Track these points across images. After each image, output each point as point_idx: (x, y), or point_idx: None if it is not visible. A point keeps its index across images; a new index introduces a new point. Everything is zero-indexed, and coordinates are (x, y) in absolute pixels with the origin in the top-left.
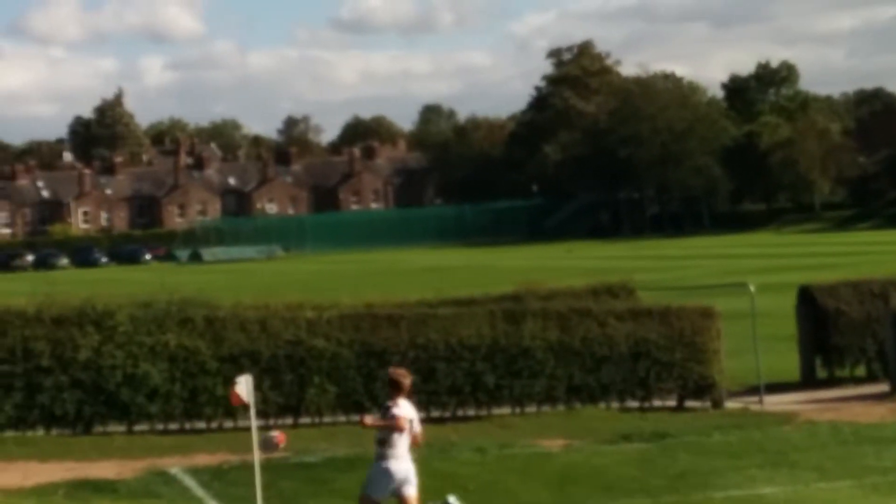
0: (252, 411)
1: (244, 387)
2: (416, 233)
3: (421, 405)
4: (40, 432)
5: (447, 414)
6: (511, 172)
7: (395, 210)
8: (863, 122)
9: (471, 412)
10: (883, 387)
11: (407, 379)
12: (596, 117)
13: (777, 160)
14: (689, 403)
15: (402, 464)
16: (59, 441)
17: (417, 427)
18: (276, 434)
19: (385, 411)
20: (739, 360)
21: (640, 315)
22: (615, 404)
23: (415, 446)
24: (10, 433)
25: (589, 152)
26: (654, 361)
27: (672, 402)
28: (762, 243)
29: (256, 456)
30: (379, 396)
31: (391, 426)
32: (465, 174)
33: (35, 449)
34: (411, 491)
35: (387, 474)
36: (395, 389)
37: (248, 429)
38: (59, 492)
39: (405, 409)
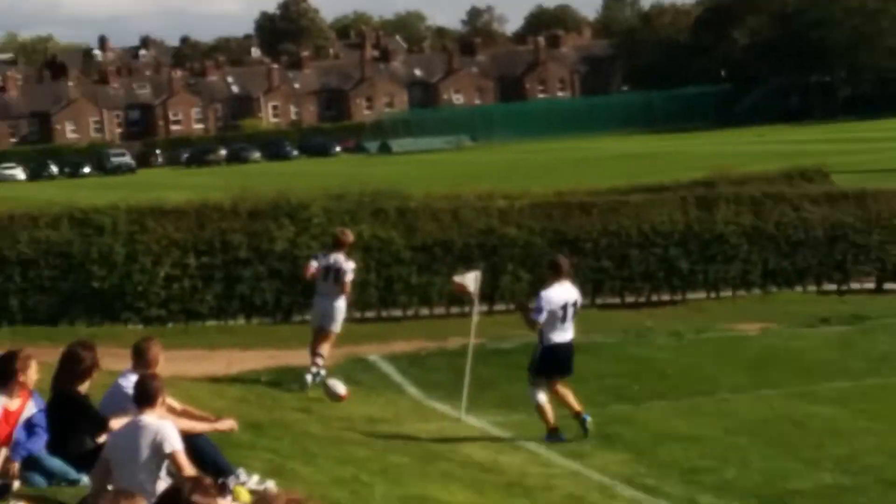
0: (475, 305)
1: (472, 282)
2: (603, 121)
3: (615, 291)
4: (241, 321)
5: (642, 299)
6: (698, 58)
7: (581, 98)
8: None
9: (665, 297)
10: None
11: None
12: (784, 0)
13: None
14: (888, 286)
15: None
16: (259, 330)
17: None
18: (342, 393)
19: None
20: None
21: (835, 198)
22: (812, 288)
23: None
24: (212, 322)
25: (778, 35)
26: (851, 245)
27: (870, 285)
28: None
29: (471, 342)
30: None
31: None
32: (651, 61)
33: (237, 338)
34: None
35: None
36: None
37: (443, 316)
38: (261, 379)
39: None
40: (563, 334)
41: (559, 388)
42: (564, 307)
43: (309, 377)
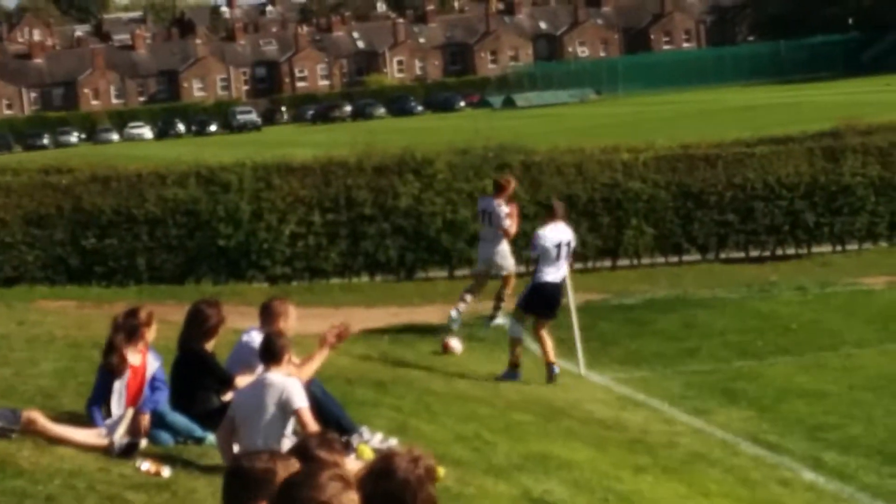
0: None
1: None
2: (730, 72)
3: (740, 245)
4: (365, 279)
5: (766, 253)
6: (826, 6)
7: (707, 49)
8: None
9: (790, 251)
10: None
11: None
12: None
13: None
14: None
15: None
16: (383, 287)
17: None
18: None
19: None
20: None
21: None
22: None
23: None
24: (335, 280)
25: None
26: None
27: None
28: None
29: (571, 297)
30: (697, 237)
31: None
32: (778, 10)
33: (360, 295)
34: None
35: None
36: None
37: None
38: (385, 337)
39: None
40: (555, 274)
41: (542, 333)
42: (558, 246)
43: (497, 320)
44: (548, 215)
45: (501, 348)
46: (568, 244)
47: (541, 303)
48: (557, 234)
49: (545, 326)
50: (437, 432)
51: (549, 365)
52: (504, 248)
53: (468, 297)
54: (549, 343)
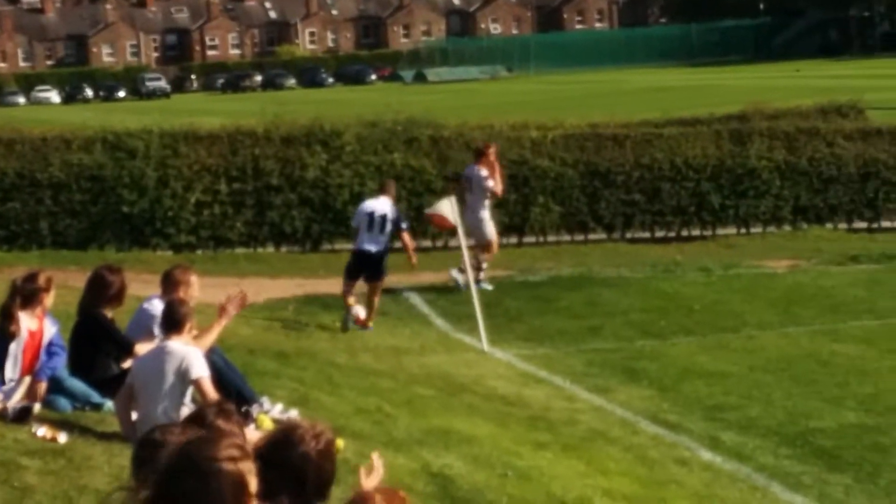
0: (460, 231)
1: (448, 208)
2: (641, 53)
3: (646, 225)
4: (270, 249)
5: (672, 234)
6: None
7: (619, 30)
8: None
9: (695, 232)
10: None
11: None
12: None
13: None
14: None
15: None
16: (288, 258)
17: None
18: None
19: None
20: None
21: (869, 135)
22: (843, 225)
23: None
24: (241, 250)
25: None
26: (884, 182)
27: None
28: None
29: (471, 276)
30: (604, 216)
31: None
32: None
33: (265, 265)
34: None
35: None
36: None
37: (472, 247)
38: (289, 307)
39: None
40: (369, 243)
41: (373, 298)
42: (370, 215)
43: (459, 277)
44: (378, 189)
45: (405, 323)
46: (383, 217)
47: (354, 269)
48: (374, 205)
49: (374, 292)
50: (338, 404)
51: (348, 308)
52: (484, 215)
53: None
54: (372, 309)
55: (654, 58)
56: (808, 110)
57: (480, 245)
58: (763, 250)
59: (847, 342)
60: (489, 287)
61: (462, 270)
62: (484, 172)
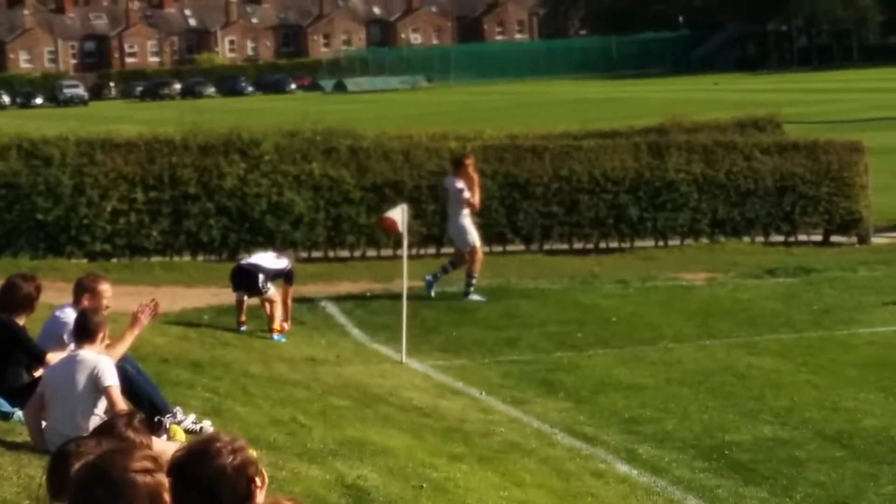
0: (405, 242)
1: (399, 215)
2: (561, 64)
3: (564, 237)
4: (186, 258)
5: (590, 246)
6: (657, 3)
7: (539, 41)
8: None
9: (613, 245)
10: None
11: None
12: None
13: None
14: (835, 239)
15: None
16: (204, 267)
17: None
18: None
19: None
20: (887, 196)
21: (786, 149)
22: (760, 238)
23: None
24: (157, 259)
25: None
26: (800, 196)
27: (817, 237)
28: None
29: (405, 284)
30: (522, 228)
31: None
32: (610, 5)
33: (181, 274)
34: None
35: None
36: None
37: (390, 258)
38: (204, 316)
39: None
40: (248, 258)
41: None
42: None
43: (472, 296)
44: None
45: (321, 332)
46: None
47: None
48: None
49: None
50: (253, 415)
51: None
52: (463, 224)
53: (449, 268)
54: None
55: (574, 69)
56: (726, 124)
57: (462, 254)
58: (681, 263)
59: (763, 355)
60: (480, 298)
61: (436, 277)
62: (460, 185)
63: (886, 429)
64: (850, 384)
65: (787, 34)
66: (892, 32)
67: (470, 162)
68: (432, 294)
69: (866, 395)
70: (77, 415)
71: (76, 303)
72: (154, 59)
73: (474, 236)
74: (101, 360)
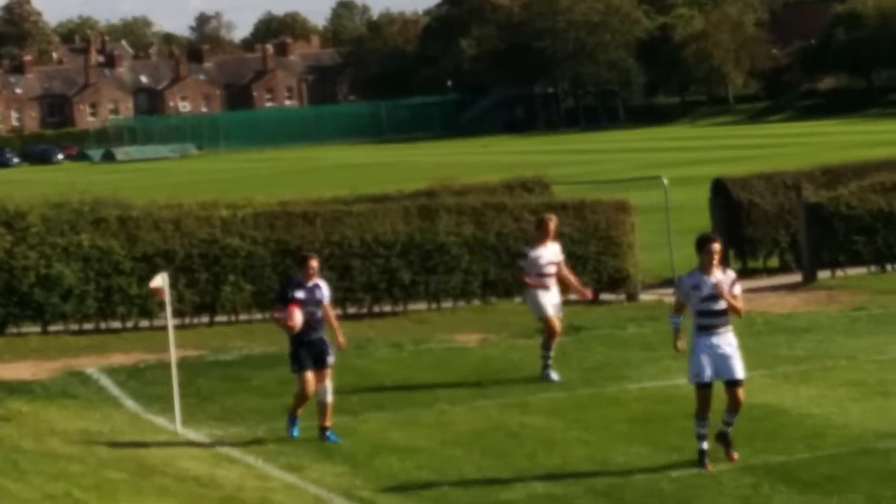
0: (168, 309)
1: (160, 282)
2: (331, 130)
3: (337, 302)
4: None
5: (363, 310)
6: (426, 68)
7: (309, 107)
8: (776, 14)
9: (387, 308)
10: (795, 277)
11: None
12: (510, 10)
13: (691, 53)
14: (604, 296)
15: None
16: None
17: None
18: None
19: None
20: (654, 254)
21: (554, 209)
22: None
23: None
24: None
25: (504, 46)
26: (569, 255)
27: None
28: (676, 136)
29: (173, 354)
30: None
31: None
32: (379, 70)
33: None
34: None
35: None
36: None
37: (163, 328)
38: None
39: None
40: None
41: None
42: None
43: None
44: None
45: (94, 405)
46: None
47: None
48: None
49: None
50: (25, 491)
51: None
52: (533, 294)
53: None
54: None
55: (345, 135)
56: (494, 186)
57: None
58: (454, 325)
59: (536, 414)
60: (556, 377)
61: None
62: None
63: (656, 482)
64: (620, 439)
65: (554, 96)
66: (656, 93)
67: (553, 223)
68: (554, 377)
69: (636, 450)
70: None
71: None
72: None
73: (543, 306)
74: None
